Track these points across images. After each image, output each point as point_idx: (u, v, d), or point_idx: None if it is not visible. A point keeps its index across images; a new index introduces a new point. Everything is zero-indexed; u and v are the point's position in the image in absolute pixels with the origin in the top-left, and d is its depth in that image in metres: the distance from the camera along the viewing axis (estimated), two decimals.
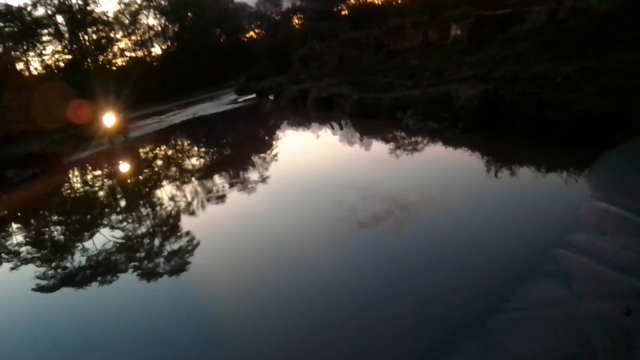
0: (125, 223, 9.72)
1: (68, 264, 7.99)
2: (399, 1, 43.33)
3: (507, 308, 3.97)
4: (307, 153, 12.52)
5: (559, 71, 9.33)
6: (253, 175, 11.23)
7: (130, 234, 8.93)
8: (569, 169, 6.73)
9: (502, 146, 8.55)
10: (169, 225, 8.98)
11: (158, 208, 10.27)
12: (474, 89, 9.76)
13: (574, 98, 7.76)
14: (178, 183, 12.32)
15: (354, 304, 4.74)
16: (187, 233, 8.05)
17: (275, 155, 13.19)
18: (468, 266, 4.89)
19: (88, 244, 8.68)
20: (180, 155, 17.49)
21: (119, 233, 8.97)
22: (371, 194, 7.82)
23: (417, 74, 15.26)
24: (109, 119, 22.73)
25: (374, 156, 10.59)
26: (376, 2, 47.46)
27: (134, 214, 10.39)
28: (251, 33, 59.73)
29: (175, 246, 7.59)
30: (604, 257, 4.26)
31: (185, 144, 20.25)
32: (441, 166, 8.76)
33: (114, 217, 10.34)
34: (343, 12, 49.76)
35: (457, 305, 4.27)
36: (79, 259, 8.04)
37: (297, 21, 55.25)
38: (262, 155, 13.56)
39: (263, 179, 10.52)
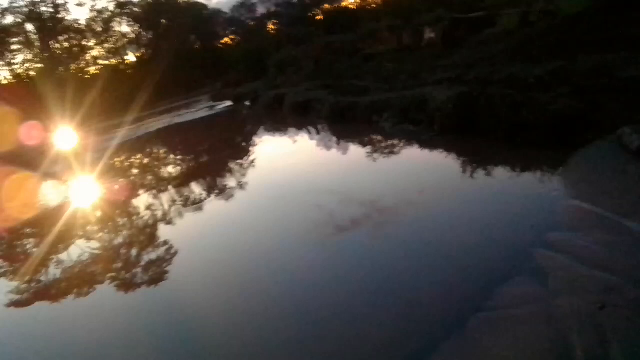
0: (101, 234, 9.53)
1: (43, 278, 7.80)
2: (373, 6, 43.61)
3: (487, 307, 4.03)
4: (284, 158, 12.48)
5: (531, 72, 9.50)
6: (230, 182, 11.12)
7: (106, 245, 8.76)
8: (543, 169, 6.84)
9: (478, 147, 8.64)
10: (146, 236, 8.82)
11: (134, 219, 10.10)
12: (448, 91, 9.86)
13: (546, 98, 7.89)
14: (153, 193, 12.11)
15: (334, 308, 4.72)
16: (165, 243, 7.92)
17: (253, 161, 13.10)
18: (448, 267, 4.94)
19: (63, 256, 8.49)
20: (155, 164, 17.22)
21: (95, 244, 8.81)
22: (349, 198, 7.82)
23: (393, 77, 15.38)
24: (66, 138, 21.43)
25: (351, 160, 10.60)
26: (350, 6, 47.70)
27: (109, 225, 10.19)
28: (226, 39, 59.46)
29: (153, 256, 7.46)
30: (579, 254, 4.34)
31: (161, 152, 19.94)
32: (418, 169, 8.81)
33: (89, 229, 10.13)
34: (318, 17, 49.83)
35: (438, 306, 4.31)
36: (53, 272, 7.86)
37: (272, 27, 55.16)
38: (240, 161, 13.46)
39: (240, 186, 10.44)
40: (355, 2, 48.40)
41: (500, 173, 7.35)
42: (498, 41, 14.11)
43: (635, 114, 6.71)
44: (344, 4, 49.74)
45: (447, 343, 3.75)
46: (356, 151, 11.06)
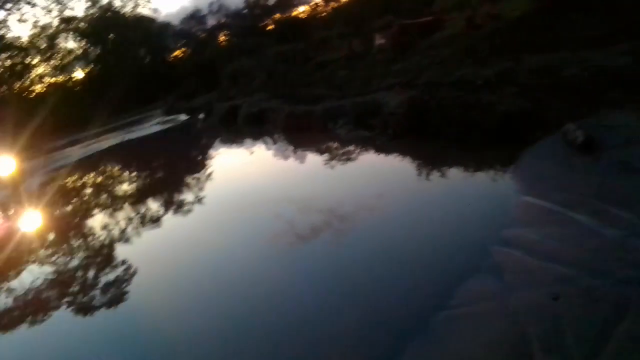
0: (55, 258, 9.19)
1: None
2: (324, 14, 43.94)
3: (448, 306, 4.10)
4: (241, 170, 12.37)
5: (479, 74, 9.73)
6: (186, 197, 10.91)
7: (61, 269, 8.45)
8: (495, 167, 7.01)
9: (431, 149, 8.78)
10: (102, 257, 8.55)
11: (89, 240, 9.79)
12: (400, 95, 9.99)
13: (495, 99, 8.10)
14: (106, 213, 11.74)
15: (297, 317, 4.70)
16: (123, 262, 7.71)
17: (209, 175, 12.92)
18: (409, 270, 5.00)
19: (14, 283, 8.15)
20: (108, 182, 16.73)
21: (48, 269, 8.49)
22: (308, 206, 7.81)
23: (345, 84, 15.47)
24: (6, 163, 20.33)
25: (309, 168, 10.61)
26: (301, 16, 47.90)
27: (64, 247, 9.84)
28: (177, 52, 58.61)
29: (111, 277, 7.26)
30: (533, 248, 4.46)
31: (114, 170, 19.39)
32: (375, 174, 8.87)
33: (42, 253, 9.74)
34: (269, 27, 49.81)
35: (400, 309, 4.36)
36: (3, 300, 7.53)
37: (223, 38, 54.73)
38: (195, 176, 13.25)
39: (197, 200, 10.27)
40: (306, 11, 48.66)
41: (454, 174, 7.50)
42: (447, 45, 14.41)
43: (578, 110, 6.96)
44: (294, 13, 49.92)
45: (411, 345, 3.81)
46: (313, 159, 11.07)
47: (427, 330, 3.89)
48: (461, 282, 4.35)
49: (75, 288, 7.34)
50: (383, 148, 9.66)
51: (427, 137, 9.03)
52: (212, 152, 16.85)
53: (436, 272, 4.79)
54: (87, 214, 12.13)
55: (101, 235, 9.77)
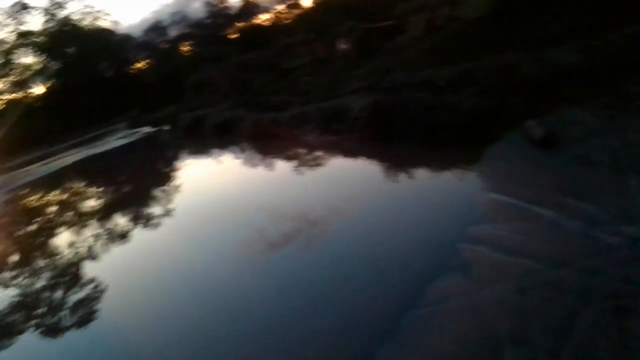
0: (19, 279, 8.92)
1: None
2: (287, 21, 44.03)
3: (418, 305, 4.15)
4: (209, 180, 12.25)
5: (441, 75, 9.87)
6: (154, 210, 10.68)
7: (26, 290, 8.20)
8: (459, 166, 7.12)
9: (397, 151, 8.86)
10: (70, 276, 8.30)
11: (57, 259, 9.50)
12: (365, 99, 10.06)
13: (457, 99, 8.24)
14: (74, 230, 11.43)
15: (270, 322, 4.68)
16: (92, 280, 7.50)
17: (176, 187, 12.72)
18: (379, 271, 5.03)
19: None
20: (73, 199, 16.27)
21: (12, 291, 8.24)
22: (278, 213, 7.76)
23: (311, 89, 15.53)
24: None
25: (277, 175, 10.56)
26: (265, 23, 47.90)
27: (30, 268, 9.54)
28: (141, 64, 57.75)
29: (81, 296, 7.07)
30: (499, 244, 4.56)
31: (78, 187, 18.89)
32: (343, 178, 8.88)
33: (6, 275, 9.43)
34: (232, 36, 49.65)
35: (371, 310, 4.38)
36: None
37: (186, 48, 54.28)
38: (162, 188, 13.02)
39: (165, 213, 10.08)
40: (270, 18, 48.71)
41: (420, 175, 7.59)
42: (409, 47, 14.58)
43: (537, 108, 7.14)
44: (257, 21, 49.90)
45: (383, 347, 3.83)
46: (281, 166, 11.04)
47: (399, 330, 3.93)
48: (431, 281, 4.40)
49: (42, 310, 7.12)
50: (350, 152, 9.71)
51: (393, 139, 9.12)
52: (178, 164, 16.60)
53: (406, 272, 4.82)
54: (53, 232, 11.79)
55: (69, 253, 9.50)
